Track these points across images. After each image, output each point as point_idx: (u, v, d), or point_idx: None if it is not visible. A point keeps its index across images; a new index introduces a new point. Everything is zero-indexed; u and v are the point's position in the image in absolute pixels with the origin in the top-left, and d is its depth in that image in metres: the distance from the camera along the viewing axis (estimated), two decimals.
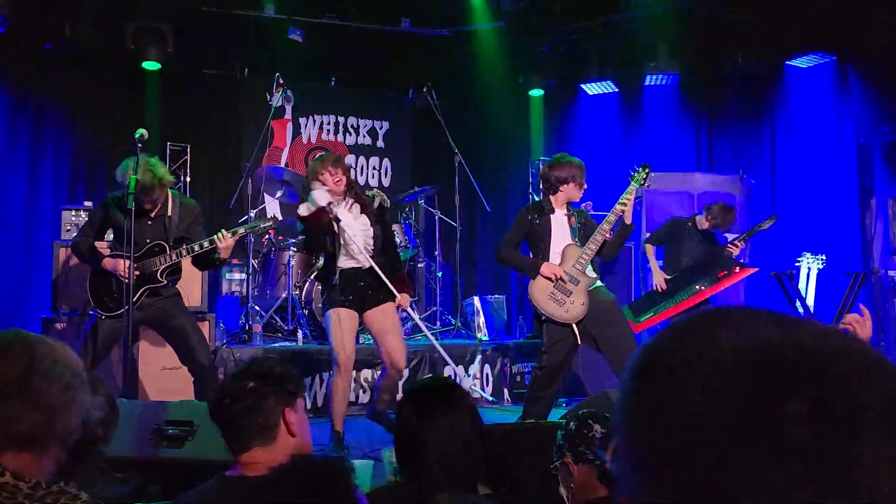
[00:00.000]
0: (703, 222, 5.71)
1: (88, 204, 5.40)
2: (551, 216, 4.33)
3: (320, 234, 4.01)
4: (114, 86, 6.96)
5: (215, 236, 3.91)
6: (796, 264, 6.17)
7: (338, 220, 3.99)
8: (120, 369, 3.71)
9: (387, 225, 4.27)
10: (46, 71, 6.78)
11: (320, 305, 4.16)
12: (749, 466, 0.47)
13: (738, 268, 5.40)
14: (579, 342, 4.19)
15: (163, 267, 3.90)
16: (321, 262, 4.30)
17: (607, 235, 4.25)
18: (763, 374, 0.49)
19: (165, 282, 3.93)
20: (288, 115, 8.22)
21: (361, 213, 4.12)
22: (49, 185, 6.69)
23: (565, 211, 4.37)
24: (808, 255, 6.19)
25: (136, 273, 3.78)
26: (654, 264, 5.70)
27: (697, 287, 5.35)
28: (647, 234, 6.17)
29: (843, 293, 5.89)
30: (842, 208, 7.05)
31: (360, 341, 5.87)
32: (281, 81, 7.03)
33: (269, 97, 7.61)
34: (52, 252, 5.11)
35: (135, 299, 3.80)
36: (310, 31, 7.59)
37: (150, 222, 3.90)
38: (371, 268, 4.03)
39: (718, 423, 0.48)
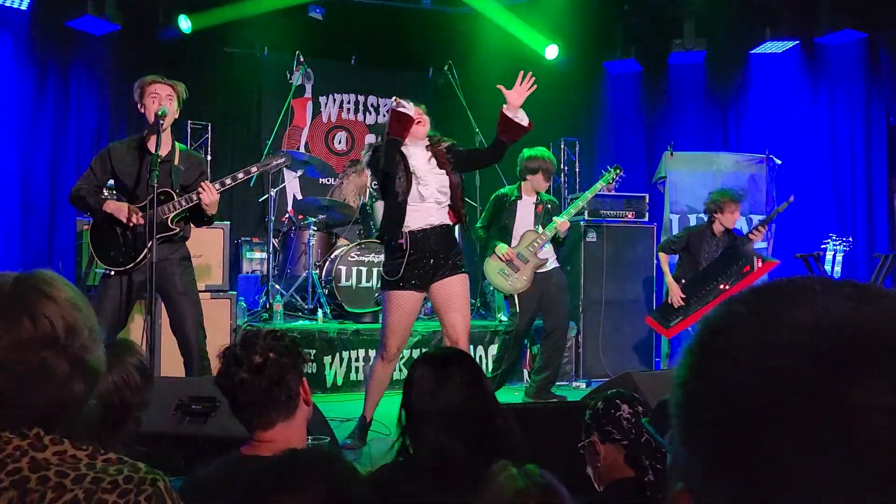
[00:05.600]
0: (717, 227, 5.24)
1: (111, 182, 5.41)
2: (518, 202, 4.95)
3: (393, 155, 3.64)
4: (136, 64, 6.95)
5: (199, 188, 3.64)
6: (822, 246, 6.06)
7: (401, 155, 3.67)
8: (141, 344, 3.70)
9: (461, 178, 3.84)
10: (68, 48, 6.78)
11: (384, 276, 3.75)
12: (825, 462, 0.42)
13: (761, 261, 5.20)
14: (518, 312, 4.90)
15: (172, 214, 3.67)
16: (379, 219, 4.07)
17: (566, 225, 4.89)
18: (843, 357, 0.44)
19: (177, 229, 3.71)
20: (308, 94, 8.19)
21: (439, 166, 3.76)
22: (72, 162, 6.72)
23: (534, 199, 4.94)
24: (835, 236, 6.08)
25: (143, 222, 3.60)
26: (668, 277, 5.27)
27: (722, 286, 5.08)
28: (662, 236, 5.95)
29: (871, 275, 5.78)
30: (870, 189, 6.91)
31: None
32: (301, 60, 7.00)
33: (289, 76, 7.58)
34: (74, 228, 5.15)
35: (145, 251, 3.61)
36: (330, 9, 7.54)
37: (153, 170, 3.61)
38: (442, 227, 3.72)
39: (792, 412, 0.43)
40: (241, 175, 3.81)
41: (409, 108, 3.69)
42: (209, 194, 3.64)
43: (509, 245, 4.89)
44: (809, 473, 0.42)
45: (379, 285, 4.87)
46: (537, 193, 4.97)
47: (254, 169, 3.86)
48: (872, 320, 0.45)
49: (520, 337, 5.03)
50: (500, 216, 4.98)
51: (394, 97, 3.71)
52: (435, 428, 1.71)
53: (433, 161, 3.78)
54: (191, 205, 3.70)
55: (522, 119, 3.78)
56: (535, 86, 3.73)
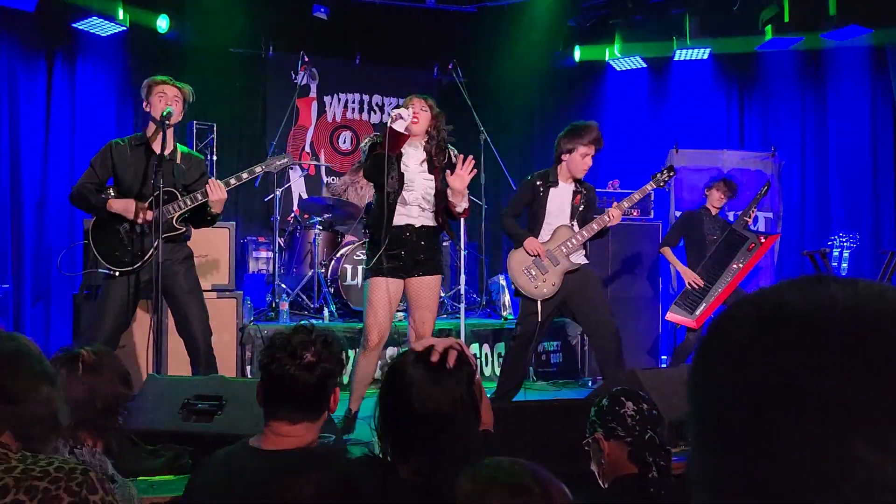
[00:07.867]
0: (715, 201, 5.40)
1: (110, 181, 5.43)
2: (552, 189, 4.24)
3: (384, 163, 3.61)
4: (142, 65, 6.98)
5: (206, 186, 3.65)
6: (829, 243, 6.04)
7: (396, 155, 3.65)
8: (147, 343, 3.72)
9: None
10: (74, 50, 6.81)
11: (365, 267, 3.86)
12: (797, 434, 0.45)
13: (762, 237, 5.27)
14: (539, 318, 4.13)
15: (177, 214, 3.65)
16: (370, 217, 3.93)
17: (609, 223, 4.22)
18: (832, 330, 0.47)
19: (182, 228, 3.70)
20: (313, 94, 8.20)
21: (429, 170, 3.77)
22: (81, 164, 6.75)
23: (572, 186, 4.25)
24: (842, 234, 6.06)
25: (150, 221, 3.59)
26: (678, 265, 5.38)
27: (735, 266, 5.15)
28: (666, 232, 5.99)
29: (879, 272, 5.76)
30: (877, 186, 6.88)
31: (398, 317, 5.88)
32: (306, 59, 7.01)
33: (293, 76, 7.60)
34: (81, 227, 5.17)
35: (151, 250, 3.59)
36: (335, 8, 7.55)
37: (158, 169, 3.61)
38: (424, 228, 3.77)
39: (767, 391, 0.46)
40: (245, 175, 3.82)
41: (404, 119, 3.61)
42: (217, 192, 3.64)
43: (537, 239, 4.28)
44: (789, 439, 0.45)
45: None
46: (575, 180, 4.25)
47: (258, 169, 3.86)
48: (846, 300, 0.48)
49: (530, 340, 4.23)
50: (532, 202, 4.29)
51: (392, 112, 3.64)
52: (425, 435, 1.48)
53: (425, 164, 3.77)
54: (196, 204, 3.69)
55: (458, 206, 3.76)
56: (475, 170, 3.69)
